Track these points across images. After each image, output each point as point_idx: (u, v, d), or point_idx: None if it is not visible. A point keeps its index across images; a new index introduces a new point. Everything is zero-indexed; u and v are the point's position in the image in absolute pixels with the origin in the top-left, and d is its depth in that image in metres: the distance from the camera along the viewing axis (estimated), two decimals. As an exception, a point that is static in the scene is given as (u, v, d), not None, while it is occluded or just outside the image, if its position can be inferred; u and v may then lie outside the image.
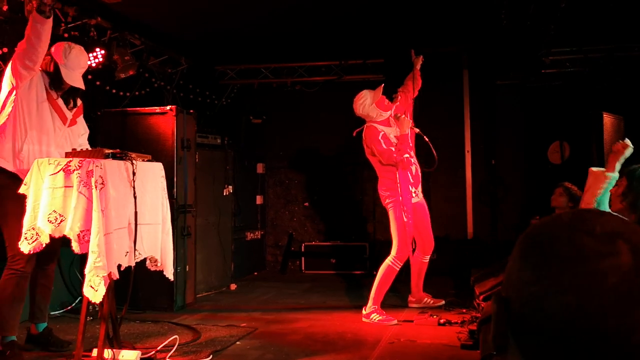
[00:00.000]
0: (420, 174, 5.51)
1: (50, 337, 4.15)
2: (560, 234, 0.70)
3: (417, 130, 5.48)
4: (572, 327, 0.65)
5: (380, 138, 5.23)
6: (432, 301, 5.68)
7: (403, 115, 5.38)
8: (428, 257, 5.63)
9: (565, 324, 0.66)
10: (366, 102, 5.32)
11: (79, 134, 4.27)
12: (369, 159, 5.42)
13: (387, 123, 5.36)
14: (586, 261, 0.67)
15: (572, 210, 0.74)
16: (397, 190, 5.20)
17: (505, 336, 0.72)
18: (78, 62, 4.04)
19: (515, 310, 0.71)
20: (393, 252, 5.19)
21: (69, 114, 4.13)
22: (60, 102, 4.08)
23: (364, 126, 5.39)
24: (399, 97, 5.62)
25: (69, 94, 4.14)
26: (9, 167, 3.85)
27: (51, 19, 3.72)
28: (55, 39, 4.09)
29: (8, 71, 3.89)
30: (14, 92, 3.86)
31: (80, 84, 4.07)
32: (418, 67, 5.74)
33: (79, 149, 4.18)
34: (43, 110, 3.96)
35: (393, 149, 5.23)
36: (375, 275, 5.33)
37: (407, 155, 5.22)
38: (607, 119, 6.47)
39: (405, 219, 5.16)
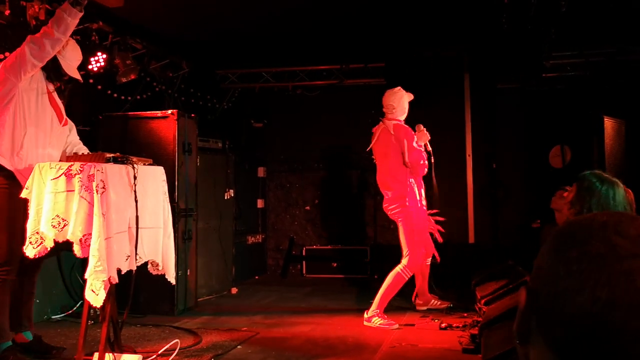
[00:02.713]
0: (422, 183, 5.54)
1: (41, 345, 4.10)
2: (596, 233, 0.73)
3: (429, 148, 5.54)
4: (602, 322, 0.68)
5: (414, 135, 5.31)
6: (439, 303, 5.70)
7: (424, 129, 5.47)
8: (429, 259, 5.65)
9: (596, 318, 0.68)
10: (405, 96, 5.40)
11: (68, 132, 4.24)
12: (378, 160, 5.41)
13: None
14: (620, 260, 0.70)
15: (608, 212, 0.77)
16: (405, 197, 5.22)
17: (529, 327, 0.75)
18: (74, 55, 4.07)
19: (545, 303, 0.73)
20: (404, 261, 5.18)
21: (64, 113, 4.12)
22: (57, 98, 4.05)
23: (389, 123, 5.33)
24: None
25: (61, 88, 4.12)
26: (6, 165, 3.78)
27: (82, 13, 3.74)
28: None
29: (10, 66, 3.78)
30: (14, 87, 3.77)
31: (78, 75, 4.10)
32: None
33: (75, 148, 4.19)
34: (44, 106, 3.92)
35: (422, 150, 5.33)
36: (376, 279, 5.34)
37: (425, 162, 5.28)
38: (608, 123, 6.47)
39: (417, 225, 5.20)
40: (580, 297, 0.70)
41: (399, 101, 5.39)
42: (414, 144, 5.26)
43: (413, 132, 5.34)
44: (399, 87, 5.50)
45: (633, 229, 0.72)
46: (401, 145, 5.24)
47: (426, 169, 5.36)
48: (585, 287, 0.70)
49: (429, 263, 5.67)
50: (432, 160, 5.56)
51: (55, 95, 4.05)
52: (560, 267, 0.73)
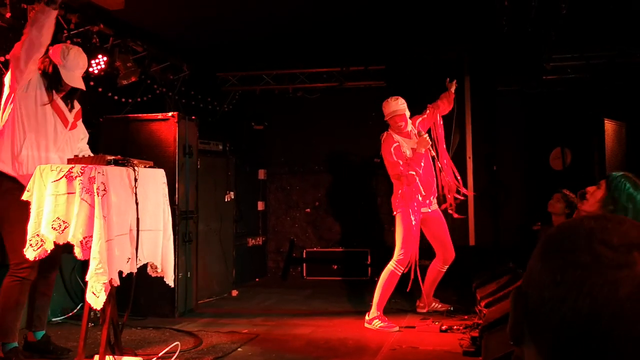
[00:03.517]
0: (434, 185, 5.53)
1: (49, 345, 4.14)
2: (580, 242, 0.74)
3: (432, 153, 5.51)
4: (586, 332, 0.69)
5: (392, 149, 5.27)
6: (440, 306, 5.70)
7: (425, 135, 5.40)
8: (447, 267, 5.64)
9: (580, 328, 0.69)
10: (390, 104, 5.35)
11: (79, 138, 4.26)
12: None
13: (407, 135, 5.41)
14: (603, 271, 0.70)
15: (595, 216, 0.77)
16: (405, 199, 5.23)
17: (521, 329, 0.76)
18: (77, 63, 4.03)
19: (533, 308, 0.74)
20: (395, 256, 5.21)
21: (70, 117, 4.12)
22: (61, 104, 4.06)
23: (384, 132, 5.44)
24: (428, 112, 5.69)
25: (69, 96, 4.13)
26: (8, 170, 3.83)
27: (57, 12, 3.74)
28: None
29: (8, 75, 3.89)
30: (12, 95, 3.85)
31: (80, 84, 4.06)
32: (452, 90, 5.81)
33: (80, 155, 4.19)
34: (45, 113, 3.94)
35: (401, 162, 5.25)
36: (377, 281, 5.33)
37: (413, 172, 5.24)
38: (609, 125, 6.47)
39: (413, 224, 5.20)
40: (564, 307, 0.70)
41: (385, 112, 5.39)
42: (392, 157, 5.24)
43: (394, 142, 5.28)
44: (390, 98, 5.44)
45: (617, 237, 0.72)
46: (383, 158, 5.35)
47: (417, 178, 5.30)
48: (569, 298, 0.70)
49: (444, 270, 5.65)
50: (438, 165, 5.55)
51: (59, 101, 4.05)
52: (546, 275, 0.74)
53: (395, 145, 5.28)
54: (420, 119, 5.58)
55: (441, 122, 5.81)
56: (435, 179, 5.56)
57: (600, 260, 0.71)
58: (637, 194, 2.92)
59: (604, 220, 0.76)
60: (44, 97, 3.96)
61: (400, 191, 5.28)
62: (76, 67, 4.02)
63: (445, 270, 5.65)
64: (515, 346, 0.79)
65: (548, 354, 0.72)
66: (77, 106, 4.25)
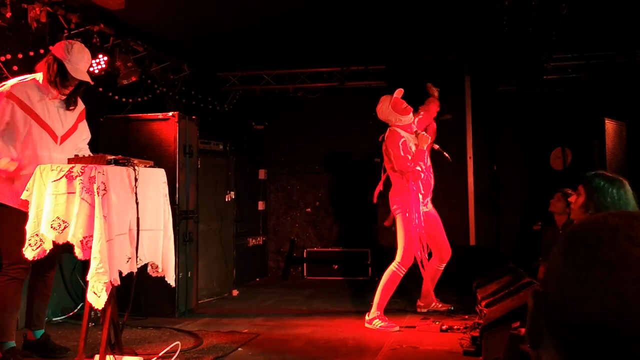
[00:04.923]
0: (432, 185, 5.54)
1: (48, 344, 4.14)
2: (605, 238, 0.71)
3: (436, 146, 5.56)
4: (613, 330, 0.66)
5: (400, 144, 5.28)
6: (440, 305, 5.70)
7: (423, 132, 5.44)
8: (444, 265, 5.65)
9: (606, 327, 0.67)
10: (384, 106, 5.40)
11: (81, 139, 4.17)
12: (385, 165, 5.47)
13: (409, 129, 5.41)
14: (631, 268, 0.68)
15: (620, 213, 0.74)
16: (407, 197, 5.23)
17: (540, 331, 0.74)
18: (82, 57, 3.94)
19: (555, 307, 0.72)
20: (398, 257, 5.20)
21: (60, 130, 3.98)
22: (50, 116, 3.92)
23: (387, 131, 5.43)
24: (421, 113, 5.70)
25: (72, 93, 4.02)
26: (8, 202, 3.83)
27: None
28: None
29: None
30: None
31: (87, 77, 3.97)
32: (436, 94, 5.86)
33: (79, 154, 4.16)
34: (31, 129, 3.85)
35: (409, 157, 5.26)
36: (377, 281, 5.34)
37: (418, 167, 5.24)
38: (610, 125, 6.46)
39: (414, 224, 5.19)
40: (589, 306, 0.68)
41: (384, 111, 5.39)
42: (400, 152, 5.24)
43: (401, 137, 5.29)
44: (382, 97, 5.47)
45: None
46: (389, 154, 5.31)
47: (422, 175, 5.32)
48: (595, 296, 0.68)
49: (442, 268, 5.66)
50: (447, 154, 5.57)
51: (49, 116, 3.92)
52: (569, 273, 0.71)
53: (402, 140, 5.30)
54: (416, 119, 5.58)
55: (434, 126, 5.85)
56: (431, 178, 5.56)
57: (628, 257, 0.68)
58: (611, 188, 2.79)
59: (629, 218, 0.73)
60: (44, 98, 3.88)
61: (399, 186, 5.28)
62: (81, 60, 3.94)
63: (442, 269, 5.65)
64: (533, 349, 0.76)
65: (570, 354, 0.70)
66: (80, 106, 4.14)
